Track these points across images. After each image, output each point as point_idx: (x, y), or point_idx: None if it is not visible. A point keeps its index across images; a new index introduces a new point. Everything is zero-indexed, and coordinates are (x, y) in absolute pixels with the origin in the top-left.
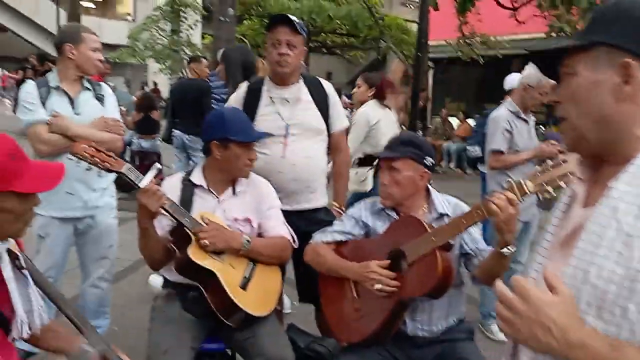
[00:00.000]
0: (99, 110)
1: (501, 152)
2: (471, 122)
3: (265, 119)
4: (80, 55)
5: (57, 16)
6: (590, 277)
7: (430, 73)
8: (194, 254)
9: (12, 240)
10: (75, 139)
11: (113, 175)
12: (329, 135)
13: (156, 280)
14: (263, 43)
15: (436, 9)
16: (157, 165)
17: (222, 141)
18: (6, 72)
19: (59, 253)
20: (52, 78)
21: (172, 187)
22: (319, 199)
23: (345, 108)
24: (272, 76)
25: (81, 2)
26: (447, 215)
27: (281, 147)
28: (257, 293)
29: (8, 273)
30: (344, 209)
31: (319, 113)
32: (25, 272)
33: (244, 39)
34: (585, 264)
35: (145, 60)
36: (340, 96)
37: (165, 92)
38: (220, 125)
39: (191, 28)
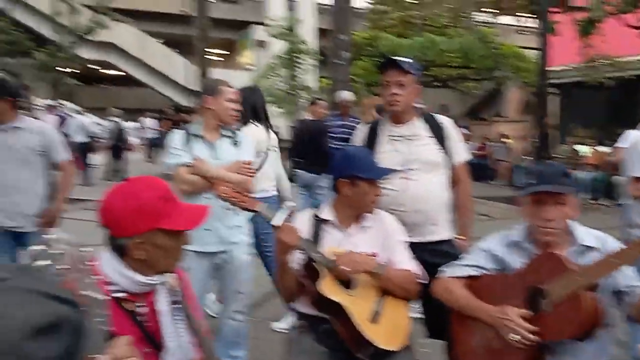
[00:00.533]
0: (234, 155)
1: None
2: (604, 149)
3: (384, 156)
4: (219, 106)
5: (187, 70)
6: None
7: (556, 99)
8: (324, 287)
9: (170, 276)
10: (212, 181)
11: (248, 214)
12: (450, 168)
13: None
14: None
15: (554, 34)
16: (290, 203)
17: (351, 179)
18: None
19: (197, 286)
20: (195, 127)
21: (302, 223)
22: (443, 231)
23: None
24: (390, 117)
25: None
26: (594, 248)
27: (402, 182)
28: (387, 327)
29: (162, 306)
30: (469, 241)
31: (436, 147)
32: (179, 307)
33: (356, 79)
34: None
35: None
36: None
37: (283, 134)
38: (348, 163)
39: (306, 73)
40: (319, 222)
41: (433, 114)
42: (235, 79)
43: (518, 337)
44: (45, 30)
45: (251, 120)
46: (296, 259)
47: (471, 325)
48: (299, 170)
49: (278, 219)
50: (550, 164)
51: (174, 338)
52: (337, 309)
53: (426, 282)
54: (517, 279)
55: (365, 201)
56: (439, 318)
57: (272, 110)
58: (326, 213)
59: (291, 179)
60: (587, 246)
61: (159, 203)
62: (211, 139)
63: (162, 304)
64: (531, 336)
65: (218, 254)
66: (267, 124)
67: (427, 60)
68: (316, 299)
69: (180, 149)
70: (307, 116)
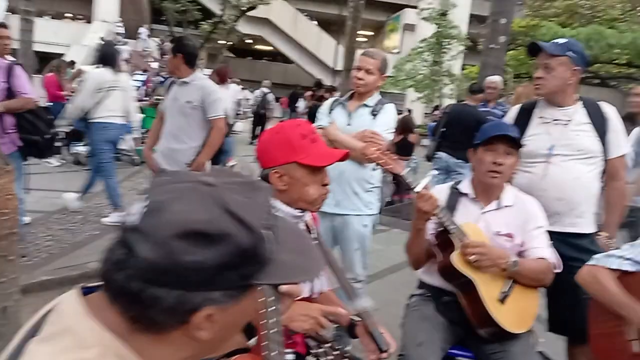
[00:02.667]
0: (368, 124)
1: None
2: None
3: (533, 138)
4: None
5: (336, 51)
6: None
7: None
8: (457, 260)
9: (308, 214)
10: (335, 143)
11: (374, 188)
12: (606, 161)
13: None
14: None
15: None
16: (433, 172)
17: (474, 147)
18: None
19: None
20: (345, 96)
21: (439, 193)
22: (586, 225)
23: None
24: (549, 98)
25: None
26: None
27: (545, 167)
28: (514, 310)
29: None
30: (613, 241)
31: (594, 136)
32: (317, 243)
33: (506, 68)
34: None
35: (405, 90)
36: None
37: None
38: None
39: (453, 59)
40: (456, 194)
41: (597, 101)
42: None
43: None
44: (212, 4)
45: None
46: (430, 227)
47: (613, 322)
48: (442, 153)
49: (420, 186)
50: None
51: None
52: (466, 283)
53: (560, 270)
54: None
55: (480, 170)
56: (564, 313)
57: (411, 94)
58: (465, 187)
59: (430, 158)
60: None
61: (300, 140)
62: (351, 107)
63: None
64: None
65: (335, 216)
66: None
67: (590, 55)
68: (445, 270)
69: (323, 114)
70: (466, 101)
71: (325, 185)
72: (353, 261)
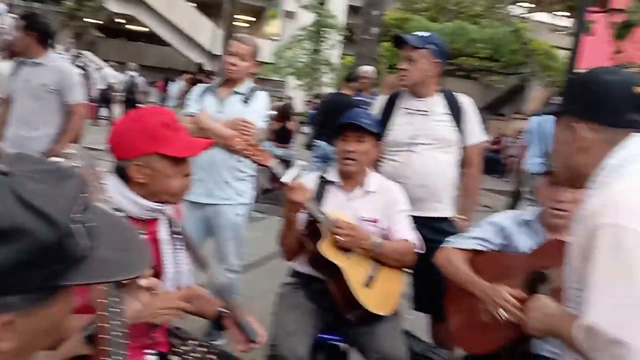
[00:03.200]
0: (240, 112)
1: None
2: None
3: (397, 128)
4: (223, 60)
5: (214, 34)
6: None
7: None
8: (324, 248)
9: (170, 207)
10: (205, 132)
11: (249, 175)
12: (463, 149)
13: None
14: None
15: (589, 34)
16: (300, 162)
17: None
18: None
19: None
20: (215, 82)
21: (308, 183)
22: (446, 209)
23: None
24: (411, 89)
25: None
26: None
27: (407, 155)
28: (380, 292)
29: (163, 235)
30: (469, 223)
31: (452, 125)
32: (180, 237)
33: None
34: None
35: (286, 77)
36: None
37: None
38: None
39: (331, 48)
40: (324, 183)
41: (453, 92)
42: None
43: (505, 313)
44: None
45: None
46: (301, 218)
47: (466, 297)
48: (320, 142)
49: (288, 177)
50: None
51: (173, 266)
52: (333, 270)
53: (422, 252)
54: (521, 260)
55: (338, 157)
56: (428, 292)
57: (291, 82)
58: (332, 175)
59: (309, 147)
60: None
61: (161, 129)
62: (222, 95)
63: (163, 232)
64: (519, 314)
65: (206, 206)
66: None
67: (454, 49)
68: (314, 258)
69: (192, 100)
70: (342, 90)
71: (188, 176)
72: (227, 251)
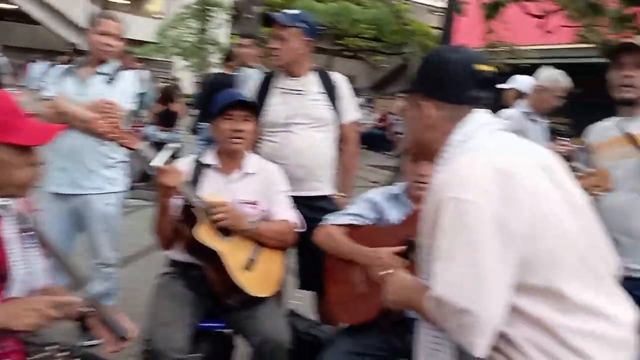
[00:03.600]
0: (105, 93)
1: None
2: None
3: (273, 108)
4: (91, 39)
5: (87, 10)
6: None
7: None
8: (200, 234)
9: (17, 201)
10: (65, 117)
11: (117, 163)
12: (339, 127)
13: None
14: None
15: (461, 14)
16: (171, 145)
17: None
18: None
19: (53, 230)
20: (77, 62)
21: (182, 166)
22: (325, 187)
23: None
24: (286, 68)
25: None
26: None
27: (285, 135)
28: (260, 275)
29: (8, 234)
30: (349, 200)
31: (327, 104)
32: (31, 234)
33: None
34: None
35: (172, 57)
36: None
37: (187, 87)
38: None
39: (218, 27)
40: (200, 166)
41: (328, 71)
42: (142, 27)
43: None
44: None
45: None
46: (175, 203)
47: (342, 272)
48: (204, 124)
49: (159, 160)
50: None
51: (23, 266)
52: (211, 256)
53: (303, 231)
54: (394, 231)
55: (221, 139)
56: (313, 270)
57: (178, 62)
58: (209, 158)
59: (195, 130)
60: None
61: (3, 115)
62: (84, 75)
63: (8, 230)
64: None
65: (72, 197)
66: None
67: (340, 29)
68: (191, 244)
69: (49, 83)
70: (222, 71)
71: (36, 165)
72: (100, 244)
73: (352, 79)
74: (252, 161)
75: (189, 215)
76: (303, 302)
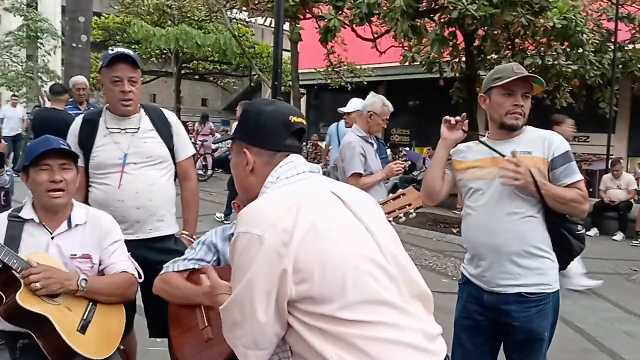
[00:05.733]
0: None
1: (360, 175)
2: None
3: (103, 149)
4: None
5: None
6: None
7: (304, 99)
8: (24, 299)
9: None
10: None
11: None
12: (176, 163)
13: None
14: None
15: (299, 40)
16: None
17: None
18: None
19: None
20: None
21: None
22: (168, 227)
23: (211, 134)
24: (112, 109)
25: None
26: None
27: (119, 176)
28: (97, 335)
29: None
30: (194, 237)
31: (161, 141)
32: None
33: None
34: None
35: None
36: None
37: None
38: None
39: (49, 54)
40: (18, 222)
41: (158, 107)
42: None
43: None
44: None
45: None
46: None
47: (187, 319)
48: None
49: None
50: None
51: None
52: (39, 321)
53: (142, 280)
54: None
55: (38, 192)
56: (161, 316)
57: (5, 94)
58: (27, 212)
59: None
60: None
61: None
62: None
63: None
64: None
65: None
66: None
67: (186, 53)
68: (13, 311)
69: None
70: (48, 104)
71: None
72: None
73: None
74: (79, 210)
75: (8, 278)
76: (163, 345)
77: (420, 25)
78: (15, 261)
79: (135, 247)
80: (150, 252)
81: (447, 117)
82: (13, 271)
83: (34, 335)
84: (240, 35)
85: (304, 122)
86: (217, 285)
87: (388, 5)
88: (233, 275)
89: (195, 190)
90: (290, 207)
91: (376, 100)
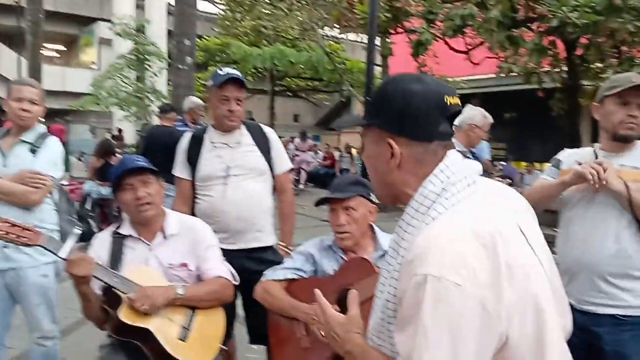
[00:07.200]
0: (28, 163)
1: None
2: None
3: (207, 163)
4: (8, 107)
5: (19, 65)
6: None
7: None
8: (126, 315)
9: None
10: None
11: (46, 230)
12: (274, 177)
13: None
14: None
15: (390, 54)
16: (76, 230)
17: (115, 186)
18: None
19: None
20: (1, 132)
21: (102, 243)
22: (267, 238)
23: (314, 151)
24: (216, 125)
25: (43, 52)
26: None
27: (223, 188)
28: (198, 342)
29: None
30: (291, 248)
31: (260, 155)
32: None
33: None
34: (379, 294)
35: (110, 108)
36: (305, 138)
37: (129, 138)
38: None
39: (155, 75)
40: (119, 238)
41: (258, 123)
42: (76, 77)
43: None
44: None
45: None
46: (97, 285)
47: (286, 327)
48: None
49: (64, 250)
50: (348, 175)
51: None
52: (143, 334)
53: (247, 285)
54: (330, 282)
55: (129, 209)
56: (261, 324)
57: (118, 112)
58: (126, 228)
59: None
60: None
61: None
62: (5, 145)
63: None
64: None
65: (5, 272)
66: None
67: (279, 71)
68: (119, 327)
69: None
70: (160, 122)
71: None
72: (38, 318)
73: (296, 118)
74: (172, 220)
75: (112, 296)
76: (260, 353)
77: (517, 35)
78: (116, 280)
79: (235, 257)
80: (249, 262)
81: (586, 172)
82: (117, 291)
83: (142, 346)
84: (331, 52)
85: (459, 102)
86: (356, 322)
87: (483, 16)
88: (410, 324)
89: (291, 202)
90: (486, 245)
91: (476, 113)
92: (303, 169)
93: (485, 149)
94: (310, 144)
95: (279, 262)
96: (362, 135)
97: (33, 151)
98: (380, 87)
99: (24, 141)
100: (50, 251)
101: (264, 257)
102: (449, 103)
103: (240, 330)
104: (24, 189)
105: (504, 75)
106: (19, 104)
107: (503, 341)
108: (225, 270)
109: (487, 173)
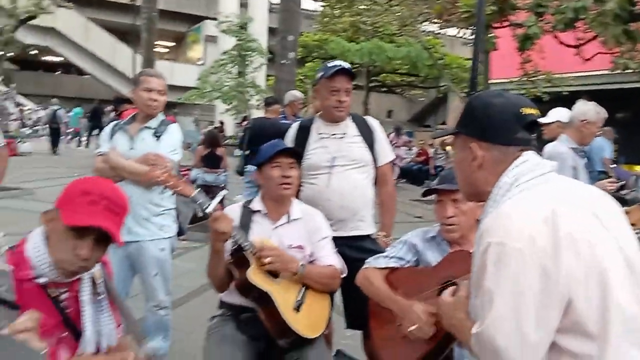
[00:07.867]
0: (152, 147)
1: None
2: None
3: (314, 152)
4: (137, 96)
5: (133, 61)
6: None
7: None
8: (252, 276)
9: (96, 267)
10: (118, 171)
11: (167, 210)
12: (376, 168)
13: None
14: None
15: (494, 49)
16: (223, 192)
17: (259, 167)
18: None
19: (115, 276)
20: (127, 119)
21: (232, 212)
22: (367, 227)
23: (408, 147)
24: (324, 116)
25: (155, 49)
26: None
27: (328, 177)
28: (308, 316)
29: (84, 296)
30: (391, 239)
31: (364, 147)
32: (102, 297)
33: (305, 79)
34: None
35: (213, 101)
36: (399, 133)
37: (230, 130)
38: (259, 155)
39: (256, 70)
40: (248, 212)
41: (363, 116)
42: (183, 72)
43: (415, 328)
44: None
45: None
46: (227, 247)
47: (385, 313)
48: (251, 166)
49: (211, 206)
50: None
51: (93, 326)
52: (263, 297)
53: (346, 275)
54: (432, 273)
55: (270, 186)
56: (358, 309)
57: (220, 106)
58: (256, 204)
59: (241, 172)
60: None
61: (77, 197)
62: (133, 131)
63: (84, 293)
64: (427, 330)
65: (128, 244)
66: None
67: (375, 66)
68: (243, 286)
69: (103, 140)
70: (264, 115)
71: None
72: (154, 288)
73: (389, 114)
74: (297, 207)
75: (240, 257)
76: (353, 340)
77: (635, 29)
78: (247, 243)
79: (336, 244)
80: (350, 250)
81: None
82: (245, 251)
83: (258, 309)
84: (430, 47)
85: (537, 112)
86: (462, 304)
87: (597, 9)
88: (479, 289)
89: (392, 194)
90: (546, 219)
91: (589, 108)
92: (396, 164)
93: (605, 147)
94: (404, 140)
95: (379, 251)
96: (453, 143)
97: (157, 136)
98: (467, 102)
99: (148, 127)
100: (198, 205)
101: (364, 246)
102: (524, 113)
103: (336, 320)
104: (146, 169)
105: (619, 71)
106: (149, 94)
107: (565, 306)
108: (337, 261)
109: (604, 173)
